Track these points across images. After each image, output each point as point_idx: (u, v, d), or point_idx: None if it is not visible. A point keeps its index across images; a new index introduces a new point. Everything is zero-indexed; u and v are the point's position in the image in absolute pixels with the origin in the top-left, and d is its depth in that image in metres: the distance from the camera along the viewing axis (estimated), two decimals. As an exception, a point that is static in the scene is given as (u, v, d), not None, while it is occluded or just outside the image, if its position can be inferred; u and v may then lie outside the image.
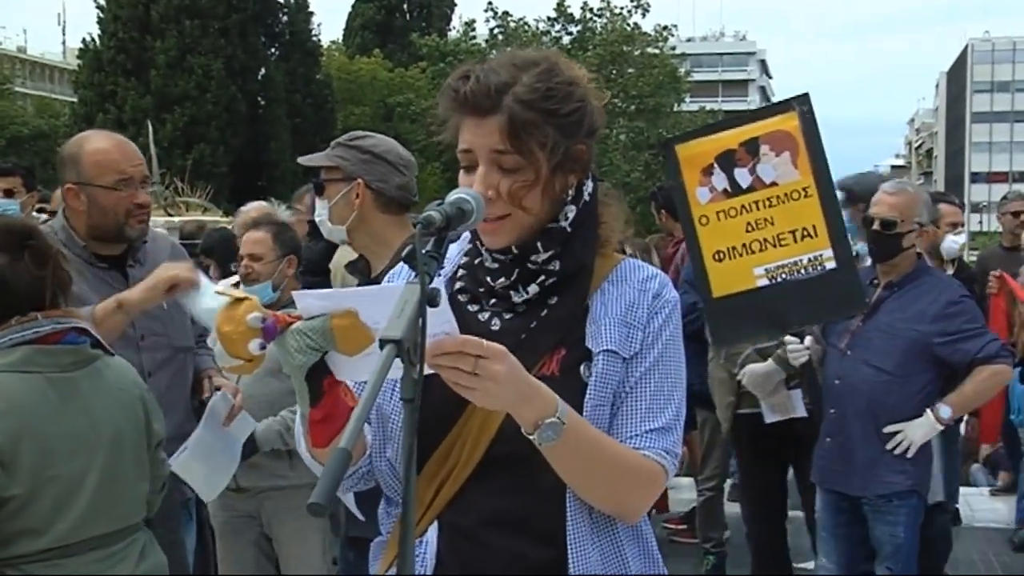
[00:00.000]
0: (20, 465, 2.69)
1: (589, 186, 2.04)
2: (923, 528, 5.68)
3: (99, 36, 36.11)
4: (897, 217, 4.43)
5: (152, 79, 34.63)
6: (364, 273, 3.54)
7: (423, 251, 1.63)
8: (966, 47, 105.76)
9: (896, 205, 4.46)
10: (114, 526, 2.89)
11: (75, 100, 39.45)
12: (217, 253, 6.51)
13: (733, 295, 4.20)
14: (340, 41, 50.07)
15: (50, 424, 2.76)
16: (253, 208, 6.39)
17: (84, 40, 36.94)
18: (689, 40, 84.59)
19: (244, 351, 1.88)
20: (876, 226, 4.45)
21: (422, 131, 34.62)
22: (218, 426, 3.82)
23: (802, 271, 4.21)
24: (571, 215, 1.99)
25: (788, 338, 4.51)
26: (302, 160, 3.66)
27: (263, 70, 37.54)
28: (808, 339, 4.56)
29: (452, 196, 1.78)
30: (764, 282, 4.20)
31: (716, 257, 4.23)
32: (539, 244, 1.97)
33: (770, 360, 4.85)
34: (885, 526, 4.44)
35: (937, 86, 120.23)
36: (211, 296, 3.37)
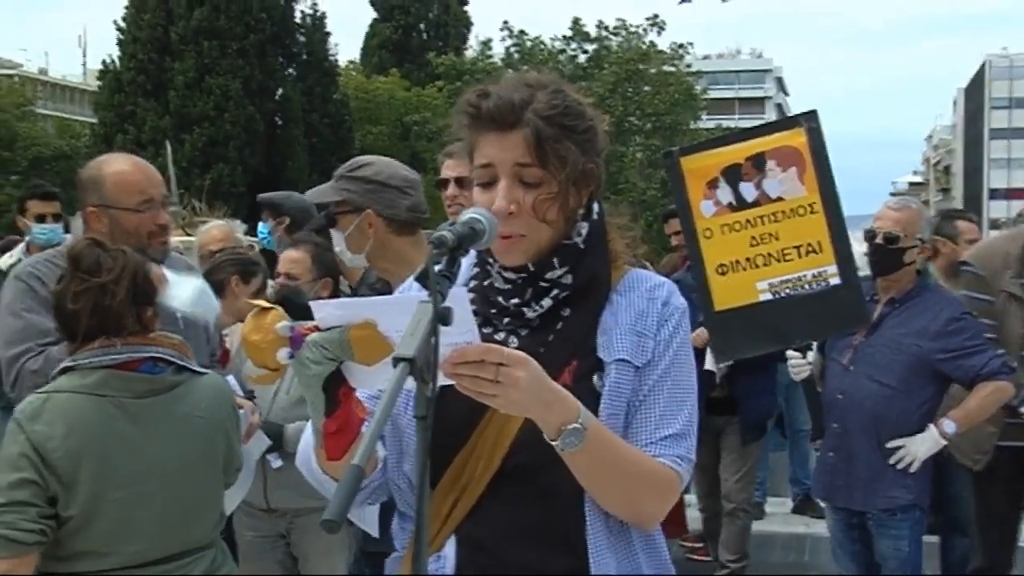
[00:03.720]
0: (80, 486, 2.73)
1: (596, 205, 2.07)
2: (944, 553, 5.72)
3: (119, 57, 36.36)
4: (900, 232, 4.46)
5: (171, 100, 34.85)
6: (382, 293, 3.57)
7: (435, 270, 1.65)
8: (984, 63, 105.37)
9: (900, 220, 4.50)
10: (183, 548, 2.92)
11: (95, 121, 39.70)
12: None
13: (735, 309, 4.22)
14: (357, 60, 50.25)
15: (114, 449, 2.79)
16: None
17: (104, 61, 37.21)
18: (705, 58, 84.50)
19: (272, 360, 1.89)
20: (879, 240, 4.49)
21: (439, 149, 34.63)
22: None
23: (806, 286, 4.22)
24: (584, 231, 2.02)
25: (790, 353, 4.54)
26: (309, 195, 3.67)
27: (281, 90, 37.68)
28: (811, 354, 4.59)
29: (465, 216, 1.80)
30: (767, 296, 4.22)
31: (719, 271, 4.26)
32: (555, 261, 1.99)
33: None
34: (889, 540, 4.46)
35: (955, 102, 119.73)
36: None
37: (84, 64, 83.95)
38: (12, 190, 36.65)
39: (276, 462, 4.31)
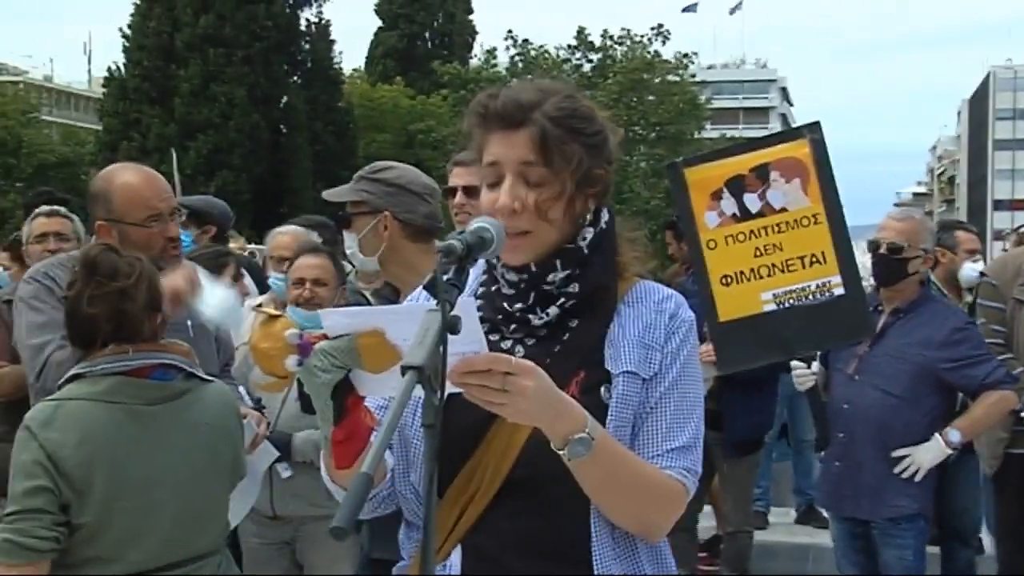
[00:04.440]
0: (93, 494, 2.73)
1: (606, 214, 2.08)
2: (946, 563, 5.72)
3: (124, 65, 36.52)
4: (904, 242, 4.49)
5: (176, 107, 34.98)
6: (391, 300, 3.57)
7: (444, 279, 1.66)
8: (988, 74, 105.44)
9: (903, 231, 4.53)
10: (188, 555, 2.92)
11: (100, 128, 39.81)
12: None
13: (740, 319, 4.21)
14: (362, 69, 50.37)
15: (126, 456, 2.79)
16: (283, 232, 6.22)
17: (109, 69, 37.37)
18: (710, 67, 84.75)
19: (280, 367, 1.88)
20: (883, 250, 4.51)
21: (443, 158, 34.73)
22: None
23: (810, 297, 4.22)
24: (589, 236, 2.03)
25: (794, 363, 4.55)
26: (327, 195, 3.65)
27: (285, 98, 37.81)
28: (815, 364, 4.60)
29: (473, 225, 1.81)
30: (771, 307, 4.22)
31: (723, 281, 4.26)
32: (557, 262, 1.99)
33: None
34: (894, 550, 4.48)
35: (959, 113, 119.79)
36: (216, 290, 3.41)
37: (89, 71, 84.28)
38: (16, 196, 36.76)
39: (285, 472, 4.31)
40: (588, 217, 2.04)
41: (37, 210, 5.39)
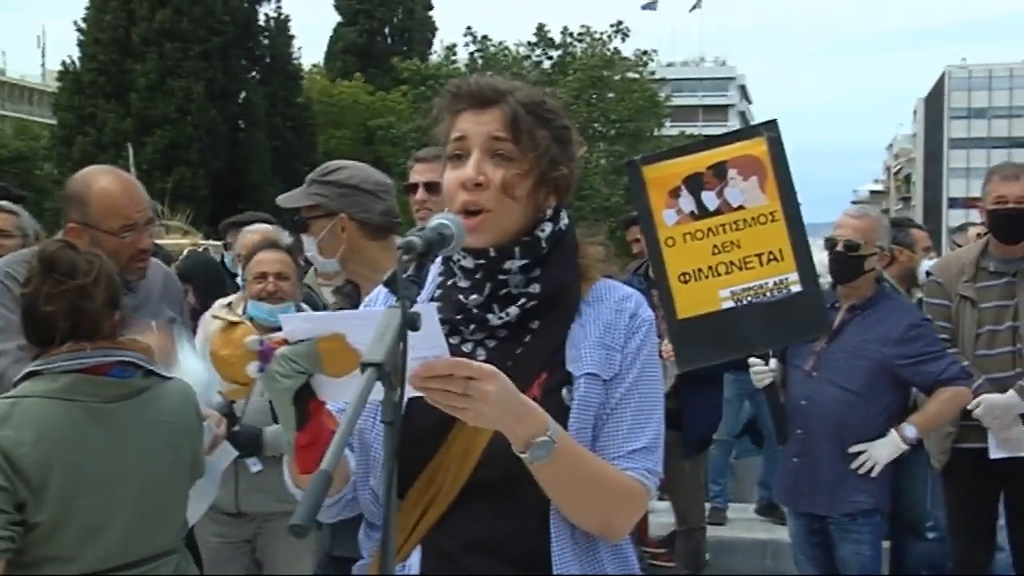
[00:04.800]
0: (49, 492, 2.70)
1: (565, 217, 2.08)
2: (900, 557, 5.78)
3: (79, 58, 36.04)
4: (860, 240, 4.54)
5: (132, 102, 34.57)
6: (352, 298, 3.55)
7: (404, 275, 1.65)
8: (943, 74, 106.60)
9: (859, 228, 4.58)
10: (148, 553, 2.90)
11: (55, 122, 39.33)
12: (195, 277, 6.52)
13: (698, 316, 4.24)
14: (321, 64, 50.11)
15: (83, 454, 2.76)
16: (253, 230, 6.11)
17: (64, 62, 36.88)
18: (669, 65, 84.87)
19: (242, 374, 1.89)
20: (840, 248, 4.55)
21: (403, 154, 34.63)
22: None
23: (768, 294, 4.25)
24: (547, 230, 2.03)
25: (752, 360, 4.58)
26: (281, 201, 3.63)
27: (243, 93, 37.47)
28: (772, 361, 4.63)
29: (433, 221, 1.81)
30: (729, 304, 4.25)
31: (681, 279, 4.28)
32: (516, 250, 1.99)
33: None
34: (851, 544, 4.53)
35: (915, 112, 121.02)
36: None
37: (43, 65, 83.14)
38: (-30, 191, 36.20)
39: (255, 467, 4.28)
40: (548, 212, 2.04)
41: None
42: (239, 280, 5.25)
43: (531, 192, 1.99)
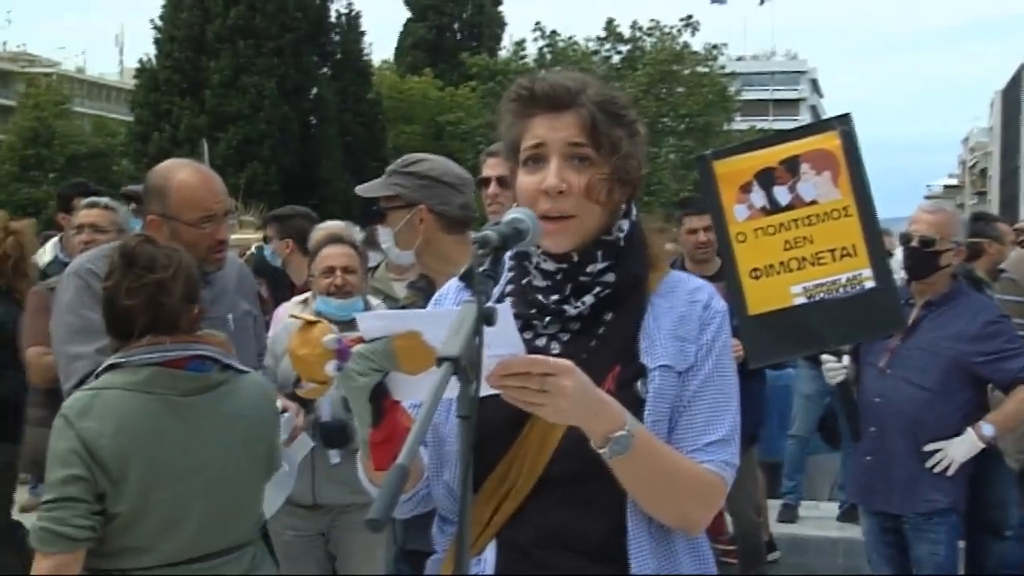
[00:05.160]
0: (128, 484, 2.76)
1: (634, 208, 2.08)
2: (977, 558, 5.68)
3: (155, 56, 36.62)
4: (936, 235, 4.47)
5: (207, 98, 35.06)
6: (426, 292, 3.54)
7: (479, 270, 1.66)
8: (1021, 66, 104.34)
9: (935, 223, 4.52)
10: (224, 545, 2.94)
11: (131, 119, 40.01)
12: (268, 272, 6.61)
13: (769, 313, 4.20)
14: (391, 60, 50.40)
15: (162, 447, 2.81)
16: (325, 227, 6.25)
17: (141, 60, 37.51)
18: (740, 59, 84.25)
19: (320, 373, 1.89)
20: (915, 243, 4.49)
21: (472, 149, 34.73)
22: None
23: (840, 290, 4.20)
24: (625, 228, 2.03)
25: (825, 357, 4.53)
26: (360, 190, 3.63)
27: (315, 89, 37.82)
28: (846, 358, 4.58)
29: (508, 216, 1.82)
30: (802, 300, 4.20)
31: (753, 275, 4.24)
32: (599, 253, 1.99)
33: None
34: (926, 544, 4.46)
35: (992, 105, 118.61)
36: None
37: (121, 63, 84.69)
38: (49, 187, 37.04)
39: (335, 458, 4.31)
40: (623, 208, 2.04)
41: (84, 200, 5.42)
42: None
43: (610, 194, 1.98)
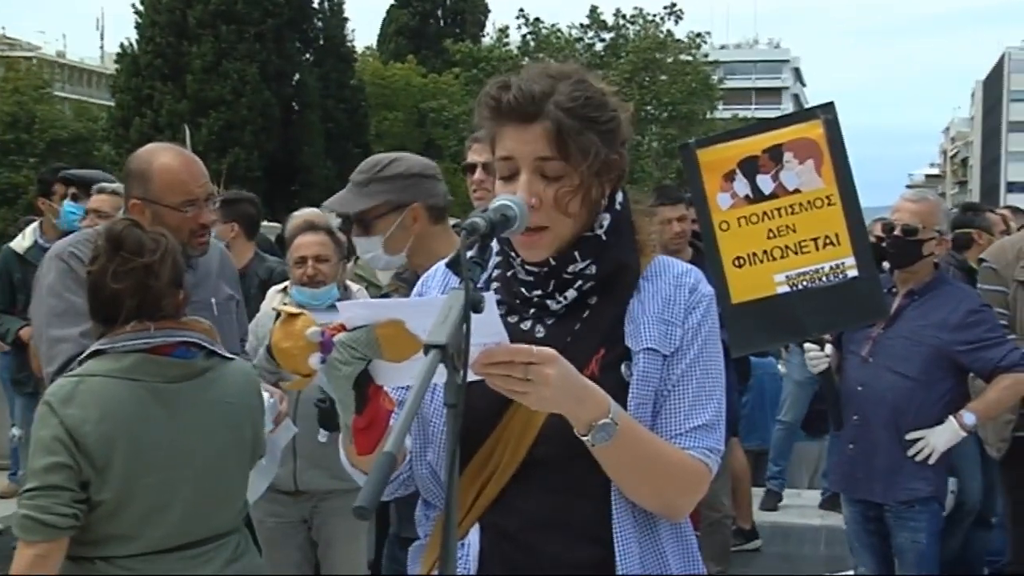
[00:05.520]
0: (113, 471, 2.73)
1: (620, 195, 2.05)
2: (965, 544, 5.71)
3: (136, 41, 36.46)
4: (919, 224, 4.47)
5: (188, 84, 34.92)
6: (410, 283, 3.49)
7: (467, 257, 1.64)
8: (1003, 56, 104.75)
9: (918, 212, 4.52)
10: (208, 533, 2.92)
11: (113, 104, 39.82)
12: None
13: (752, 301, 4.20)
14: (374, 47, 50.28)
15: (147, 433, 2.78)
16: (302, 214, 6.16)
17: (122, 45, 37.32)
18: (723, 47, 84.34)
19: (304, 366, 1.88)
20: (897, 232, 4.49)
21: (455, 136, 34.69)
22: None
23: (823, 279, 4.21)
24: (606, 223, 2.00)
25: (808, 345, 4.53)
26: (330, 206, 3.54)
27: (297, 75, 37.72)
28: (829, 347, 4.59)
29: (496, 203, 1.80)
30: (784, 289, 4.21)
31: (736, 263, 4.24)
32: (576, 254, 1.98)
33: None
34: (907, 532, 4.48)
35: (973, 94, 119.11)
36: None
37: (102, 47, 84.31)
38: (30, 172, 36.80)
39: (323, 437, 4.30)
40: (604, 202, 2.01)
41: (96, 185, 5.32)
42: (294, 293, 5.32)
43: (584, 198, 1.95)
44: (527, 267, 2.00)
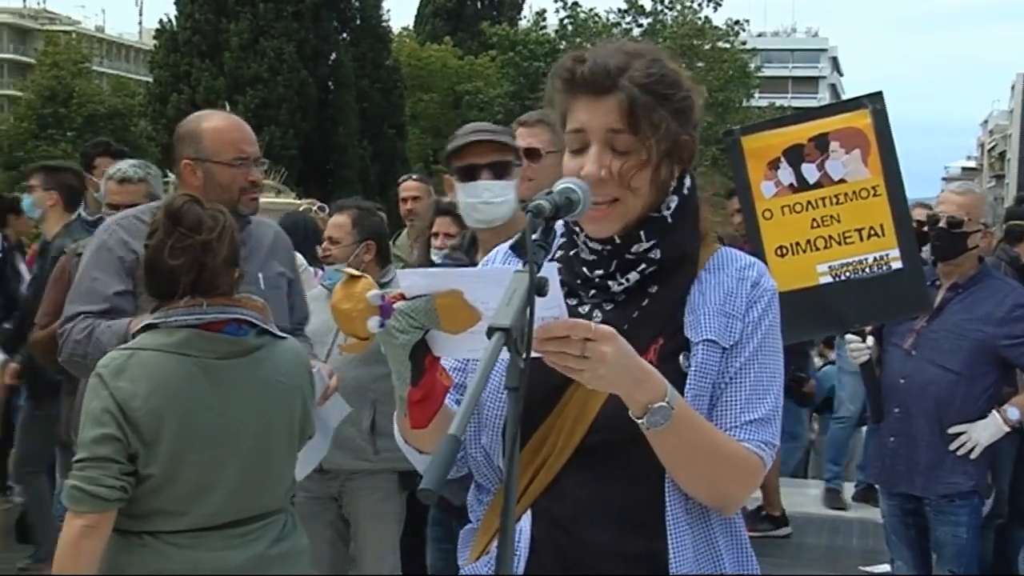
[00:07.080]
0: (161, 445, 2.74)
1: (688, 179, 2.03)
2: (1005, 544, 5.68)
3: (175, 17, 36.56)
4: (964, 216, 4.43)
5: (226, 61, 34.99)
6: (462, 264, 3.52)
7: (532, 239, 1.63)
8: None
9: (963, 204, 4.48)
10: (255, 512, 2.93)
11: (150, 80, 40.00)
12: (293, 236, 6.59)
13: (794, 291, 4.15)
14: (411, 28, 50.22)
15: (195, 409, 2.80)
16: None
17: (161, 21, 37.43)
18: (760, 35, 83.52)
19: (362, 329, 1.85)
20: (942, 224, 4.45)
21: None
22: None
23: (867, 270, 4.19)
24: (673, 205, 1.99)
25: (849, 336, 4.51)
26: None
27: (334, 55, 37.70)
28: (870, 339, 4.55)
29: (560, 185, 1.79)
30: (827, 279, 4.19)
31: (778, 252, 4.22)
32: (642, 233, 1.96)
33: None
34: (947, 527, 4.45)
35: (1013, 87, 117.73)
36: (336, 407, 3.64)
37: (140, 23, 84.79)
38: (67, 146, 37.08)
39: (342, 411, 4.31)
40: (673, 184, 1.99)
41: (110, 172, 5.15)
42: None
43: (653, 175, 1.94)
44: (591, 245, 1.99)
